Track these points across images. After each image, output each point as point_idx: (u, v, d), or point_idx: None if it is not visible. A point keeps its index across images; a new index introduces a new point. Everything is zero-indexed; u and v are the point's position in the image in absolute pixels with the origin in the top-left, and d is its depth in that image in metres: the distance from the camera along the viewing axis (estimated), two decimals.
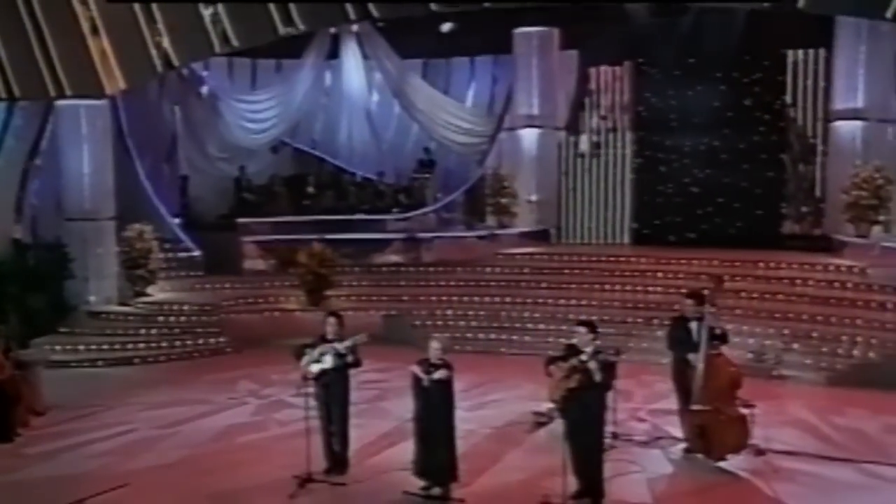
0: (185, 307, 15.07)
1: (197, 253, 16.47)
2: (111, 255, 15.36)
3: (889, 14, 8.74)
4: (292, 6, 11.09)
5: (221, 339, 14.40)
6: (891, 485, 8.66)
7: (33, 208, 15.60)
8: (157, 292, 15.66)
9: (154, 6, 11.59)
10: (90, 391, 12.30)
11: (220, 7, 11.50)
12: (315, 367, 8.78)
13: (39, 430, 10.52)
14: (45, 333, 13.86)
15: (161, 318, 14.85)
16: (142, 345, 14.11)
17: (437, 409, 8.29)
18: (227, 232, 16.80)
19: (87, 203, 15.13)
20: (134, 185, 16.03)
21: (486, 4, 10.87)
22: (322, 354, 8.75)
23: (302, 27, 11.70)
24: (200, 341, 14.35)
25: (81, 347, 13.89)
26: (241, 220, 17.01)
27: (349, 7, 11.02)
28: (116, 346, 13.97)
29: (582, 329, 8.06)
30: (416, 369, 8.32)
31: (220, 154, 17.82)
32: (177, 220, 16.79)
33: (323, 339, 8.94)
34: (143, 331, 14.50)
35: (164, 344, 14.19)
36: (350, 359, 8.81)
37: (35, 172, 15.17)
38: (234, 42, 11.65)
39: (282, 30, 11.51)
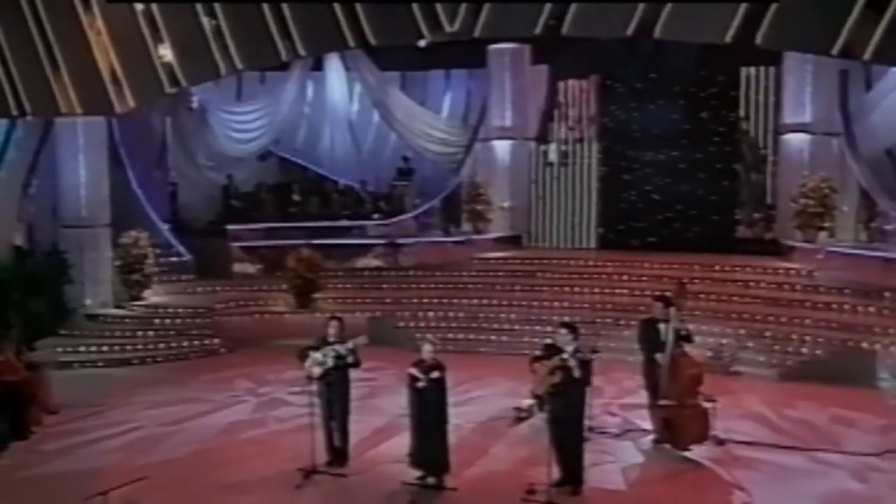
0: (180, 310, 15.40)
1: (188, 257, 16.80)
2: (106, 260, 15.64)
3: (835, 51, 9.46)
4: (294, 33, 11.51)
5: (215, 341, 14.77)
6: (838, 470, 9.34)
7: (30, 215, 15.87)
8: (151, 296, 15.96)
9: (161, 27, 11.90)
10: (94, 391, 12.60)
11: (225, 29, 11.82)
12: (317, 369, 9.28)
13: (52, 428, 10.84)
14: (45, 336, 14.15)
15: (157, 321, 15.16)
16: (139, 346, 14.43)
17: (432, 405, 8.81)
18: (216, 237, 17.14)
19: (84, 210, 15.39)
20: (126, 192, 16.30)
21: (475, 35, 11.42)
22: (325, 356, 9.26)
23: (303, 53, 12.12)
24: (195, 342, 14.71)
25: (82, 349, 14.16)
26: (230, 226, 17.25)
27: (348, 35, 11.46)
28: (115, 348, 14.28)
29: (563, 330, 8.64)
30: (413, 370, 8.81)
31: (208, 163, 18.14)
32: (167, 226, 17.09)
33: (324, 342, 9.44)
34: (139, 333, 14.80)
35: (160, 345, 14.51)
36: (350, 359, 9.31)
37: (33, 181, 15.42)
38: (239, 65, 12.03)
39: (284, 55, 11.90)
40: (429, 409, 8.79)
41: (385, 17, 11.26)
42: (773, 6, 9.11)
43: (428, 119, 18.86)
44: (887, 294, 13.02)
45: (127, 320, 15.16)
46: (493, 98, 18.27)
